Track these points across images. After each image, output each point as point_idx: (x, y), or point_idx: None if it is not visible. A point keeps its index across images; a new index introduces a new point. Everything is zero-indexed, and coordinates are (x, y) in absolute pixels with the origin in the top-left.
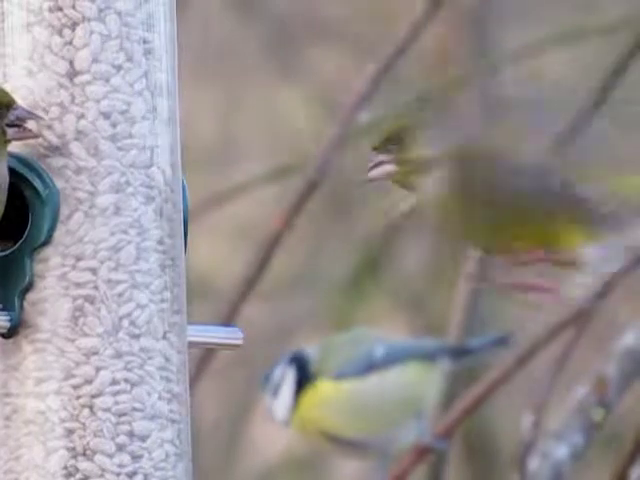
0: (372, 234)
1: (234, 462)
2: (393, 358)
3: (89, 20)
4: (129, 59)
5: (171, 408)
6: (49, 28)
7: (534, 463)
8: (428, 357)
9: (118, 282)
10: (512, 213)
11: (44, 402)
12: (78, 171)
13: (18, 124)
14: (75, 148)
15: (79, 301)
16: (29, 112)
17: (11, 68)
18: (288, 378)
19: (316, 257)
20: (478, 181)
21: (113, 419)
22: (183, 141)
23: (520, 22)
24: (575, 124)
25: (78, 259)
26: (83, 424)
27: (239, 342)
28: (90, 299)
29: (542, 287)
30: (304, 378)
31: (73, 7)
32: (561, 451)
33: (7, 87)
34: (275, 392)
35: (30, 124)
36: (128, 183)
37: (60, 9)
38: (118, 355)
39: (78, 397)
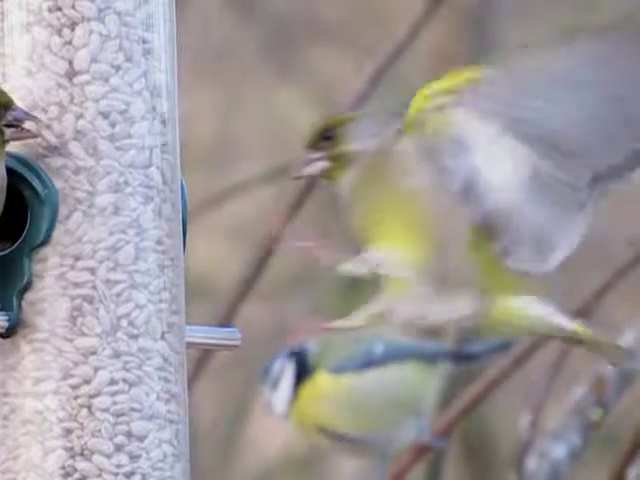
0: None
1: (232, 462)
2: (392, 356)
3: (88, 20)
4: (128, 59)
5: (169, 408)
6: (48, 28)
7: (532, 463)
8: (427, 358)
9: (117, 282)
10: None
11: (42, 402)
12: (77, 171)
13: (16, 125)
14: (74, 148)
15: (77, 301)
16: (27, 113)
17: (10, 68)
18: (287, 372)
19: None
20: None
21: (111, 419)
22: (182, 141)
23: (520, 22)
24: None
25: (77, 259)
26: (81, 424)
27: (237, 343)
28: (88, 299)
29: (319, 249)
30: (303, 372)
31: (72, 7)
32: (559, 451)
33: (6, 87)
34: (274, 385)
35: (28, 124)
36: (127, 183)
37: (59, 9)
38: (116, 355)
39: (76, 397)
